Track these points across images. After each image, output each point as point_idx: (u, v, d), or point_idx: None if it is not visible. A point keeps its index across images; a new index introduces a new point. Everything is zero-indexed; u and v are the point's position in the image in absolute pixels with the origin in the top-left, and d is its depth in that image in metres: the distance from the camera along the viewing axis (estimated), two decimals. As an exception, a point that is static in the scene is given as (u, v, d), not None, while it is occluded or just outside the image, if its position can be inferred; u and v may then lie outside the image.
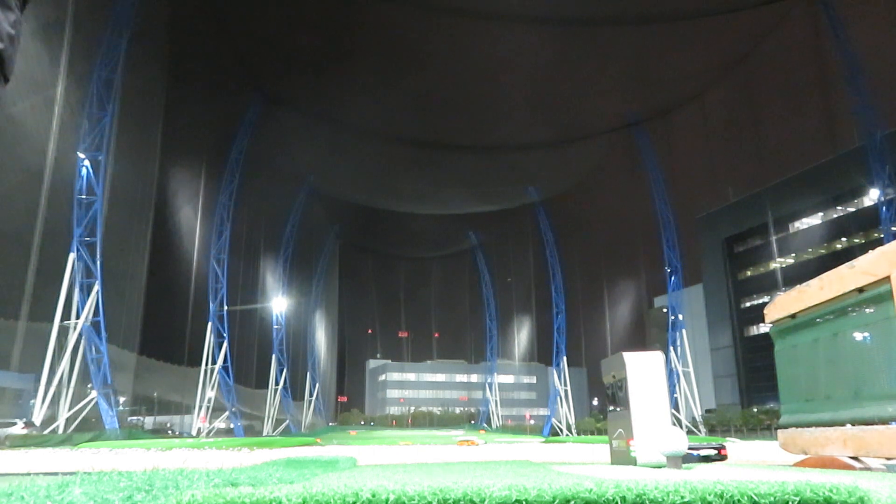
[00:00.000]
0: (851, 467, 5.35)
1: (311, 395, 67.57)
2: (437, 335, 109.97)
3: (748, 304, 62.64)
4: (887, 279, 4.93)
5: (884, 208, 36.44)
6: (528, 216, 66.81)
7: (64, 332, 30.82)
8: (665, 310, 56.15)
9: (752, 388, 58.64)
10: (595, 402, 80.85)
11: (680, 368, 48.88)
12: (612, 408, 7.60)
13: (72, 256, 30.98)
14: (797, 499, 1.47)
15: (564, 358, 60.32)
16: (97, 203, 31.78)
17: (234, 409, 47.09)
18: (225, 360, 46.26)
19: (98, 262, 31.71)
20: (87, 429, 30.83)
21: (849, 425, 5.47)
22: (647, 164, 51.37)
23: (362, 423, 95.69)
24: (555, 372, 61.65)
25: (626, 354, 7.22)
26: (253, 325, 56.32)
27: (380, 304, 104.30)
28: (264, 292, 58.43)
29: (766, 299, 50.84)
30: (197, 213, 48.27)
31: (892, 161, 35.61)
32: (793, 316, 6.61)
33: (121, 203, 35.51)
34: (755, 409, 51.11)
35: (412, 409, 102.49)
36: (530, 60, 45.98)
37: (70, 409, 30.88)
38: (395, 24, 42.74)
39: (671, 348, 49.19)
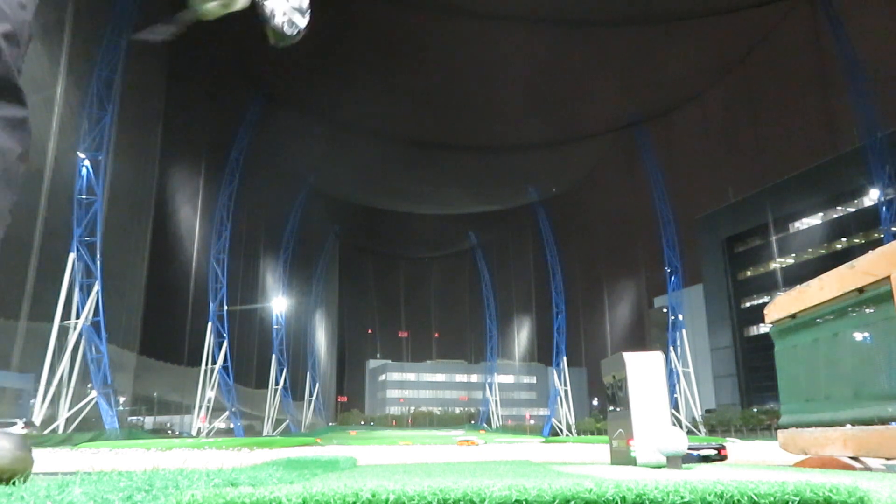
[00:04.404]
0: (851, 467, 5.35)
1: (311, 395, 67.58)
2: (437, 335, 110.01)
3: (748, 304, 62.65)
4: (887, 279, 4.93)
5: (884, 208, 36.43)
6: (528, 216, 66.83)
7: (64, 332, 30.82)
8: (665, 310, 56.15)
9: (752, 388, 58.66)
10: (595, 402, 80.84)
11: (680, 368, 48.88)
12: (612, 408, 7.60)
13: (72, 256, 30.98)
14: (797, 499, 1.46)
15: (564, 358, 60.33)
16: (97, 203, 31.78)
17: (234, 409, 47.09)
18: (225, 360, 46.26)
19: (98, 262, 31.70)
20: (87, 429, 30.83)
21: (849, 425, 5.47)
22: (647, 164, 51.38)
23: (362, 423, 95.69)
24: (555, 372, 61.66)
25: (626, 354, 7.22)
26: (253, 325, 56.32)
27: (380, 304, 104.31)
28: (264, 292, 58.44)
29: (766, 299, 50.86)
30: (197, 212, 48.28)
31: (892, 161, 35.59)
32: (793, 316, 6.61)
33: (121, 203, 35.51)
34: (755, 409, 51.15)
35: (412, 409, 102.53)
36: (530, 60, 45.98)
37: (70, 409, 30.87)
38: (396, 23, 42.74)
39: (671, 348, 49.18)
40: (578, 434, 56.12)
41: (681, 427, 32.43)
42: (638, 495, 1.43)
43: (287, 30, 2.53)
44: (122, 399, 39.85)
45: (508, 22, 42.48)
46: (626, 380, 6.96)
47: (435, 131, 53.82)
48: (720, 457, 10.43)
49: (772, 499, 1.42)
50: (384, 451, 19.89)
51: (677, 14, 40.59)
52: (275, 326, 57.22)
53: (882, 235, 38.40)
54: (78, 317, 31.17)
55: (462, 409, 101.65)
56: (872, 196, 42.35)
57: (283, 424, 57.32)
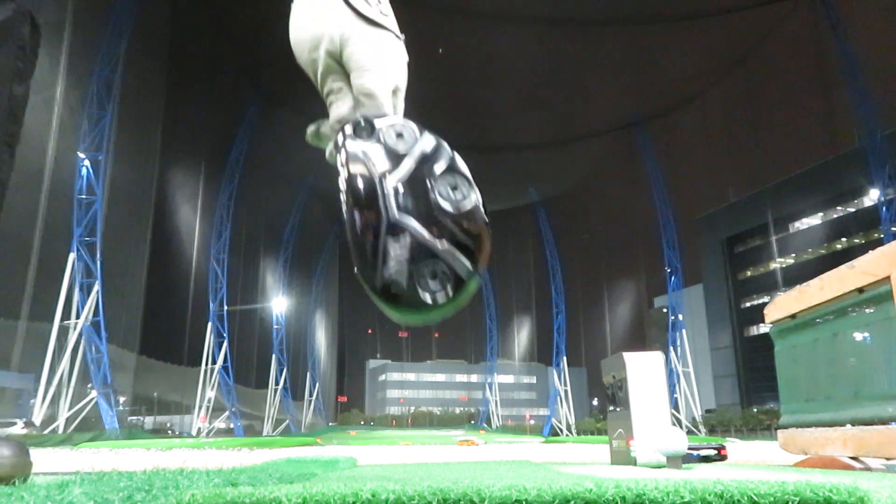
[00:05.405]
0: (851, 467, 5.35)
1: (311, 395, 67.56)
2: (437, 335, 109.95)
3: (748, 304, 62.62)
4: (887, 279, 4.93)
5: (884, 208, 36.44)
6: (528, 216, 66.84)
7: (64, 332, 30.82)
8: (665, 310, 56.14)
9: (752, 388, 58.63)
10: (595, 402, 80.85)
11: (680, 368, 48.88)
12: (612, 408, 7.60)
13: (72, 256, 30.98)
14: (797, 499, 1.46)
15: (564, 358, 60.33)
16: (97, 203, 31.79)
17: (234, 409, 47.09)
18: (225, 360, 46.27)
19: (98, 262, 31.71)
20: (87, 429, 30.83)
21: (849, 425, 5.47)
22: (648, 164, 51.39)
23: (362, 423, 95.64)
24: (555, 372, 61.66)
25: (626, 354, 7.22)
26: (253, 325, 56.32)
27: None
28: (264, 292, 58.43)
29: (766, 299, 50.85)
30: (197, 212, 48.30)
31: (892, 161, 35.61)
32: (793, 316, 6.61)
33: (121, 203, 35.53)
34: (755, 409, 51.13)
35: (412, 409, 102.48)
36: (530, 60, 45.98)
37: (70, 409, 30.88)
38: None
39: (671, 348, 49.19)
40: (578, 434, 56.11)
41: (681, 427, 32.41)
42: (638, 495, 1.43)
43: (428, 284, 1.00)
44: (122, 399, 39.85)
45: (508, 22, 42.48)
46: (626, 380, 6.97)
47: (435, 131, 53.73)
48: (720, 457, 10.42)
49: (772, 499, 1.42)
50: (384, 451, 19.89)
51: (677, 14, 40.61)
52: (275, 326, 57.22)
53: (882, 235, 38.40)
54: (78, 317, 31.18)
55: (462, 409, 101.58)
56: (872, 196, 42.34)
57: (283, 424, 57.31)
